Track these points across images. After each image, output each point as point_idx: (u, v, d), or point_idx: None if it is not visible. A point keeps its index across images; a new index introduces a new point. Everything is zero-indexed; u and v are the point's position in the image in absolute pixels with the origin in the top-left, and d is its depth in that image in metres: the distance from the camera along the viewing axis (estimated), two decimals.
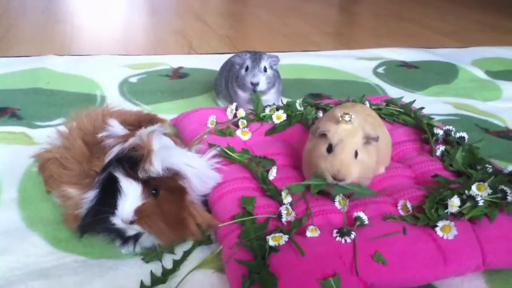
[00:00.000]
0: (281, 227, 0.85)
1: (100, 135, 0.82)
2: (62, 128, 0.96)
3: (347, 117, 0.87)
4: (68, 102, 1.48)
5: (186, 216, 0.80)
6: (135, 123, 0.91)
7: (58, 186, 0.86)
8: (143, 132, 0.78)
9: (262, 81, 1.28)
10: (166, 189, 0.76)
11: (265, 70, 1.28)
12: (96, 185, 0.77)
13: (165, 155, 0.74)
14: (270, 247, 0.80)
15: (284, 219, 0.87)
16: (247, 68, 1.29)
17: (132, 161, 0.73)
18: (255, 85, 1.27)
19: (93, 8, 2.87)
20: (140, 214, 0.74)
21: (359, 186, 0.89)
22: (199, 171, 0.80)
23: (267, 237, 0.81)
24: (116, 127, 0.82)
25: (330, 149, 0.87)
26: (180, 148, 0.83)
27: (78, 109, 0.98)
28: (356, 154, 0.87)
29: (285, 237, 0.81)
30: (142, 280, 0.80)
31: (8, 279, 0.80)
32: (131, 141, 0.76)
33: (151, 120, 0.95)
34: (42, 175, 0.95)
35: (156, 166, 0.72)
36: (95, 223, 0.77)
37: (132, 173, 0.73)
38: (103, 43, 2.18)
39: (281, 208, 0.89)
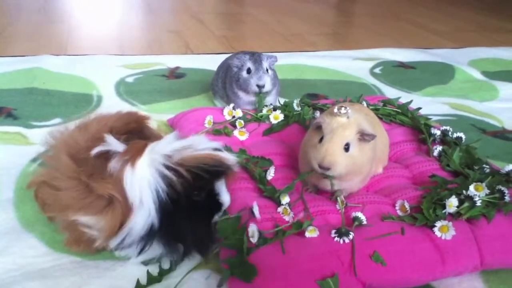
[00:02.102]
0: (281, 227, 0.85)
1: (94, 151, 0.79)
2: (49, 142, 0.89)
3: (342, 110, 0.87)
4: (64, 102, 1.48)
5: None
6: (122, 130, 0.88)
7: (60, 211, 0.82)
8: (165, 153, 0.78)
9: (267, 82, 1.28)
10: None
11: (267, 71, 1.29)
12: (145, 213, 0.76)
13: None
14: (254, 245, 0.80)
15: (287, 218, 0.88)
16: (249, 70, 1.29)
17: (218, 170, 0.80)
18: (261, 87, 1.28)
19: (89, 8, 2.86)
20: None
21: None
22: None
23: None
24: (113, 144, 0.80)
25: (322, 140, 0.87)
26: (193, 145, 0.83)
27: (69, 115, 0.93)
28: (347, 147, 0.87)
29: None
30: (138, 279, 0.79)
31: (4, 280, 0.79)
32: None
33: (136, 120, 0.93)
34: (36, 201, 0.92)
35: (231, 158, 0.82)
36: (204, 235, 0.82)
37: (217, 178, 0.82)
38: (100, 43, 2.17)
39: (279, 208, 0.89)
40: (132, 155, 0.77)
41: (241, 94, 1.32)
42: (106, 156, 0.79)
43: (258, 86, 1.28)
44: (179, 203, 0.77)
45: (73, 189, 0.79)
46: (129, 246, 0.78)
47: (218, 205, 0.83)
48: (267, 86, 1.29)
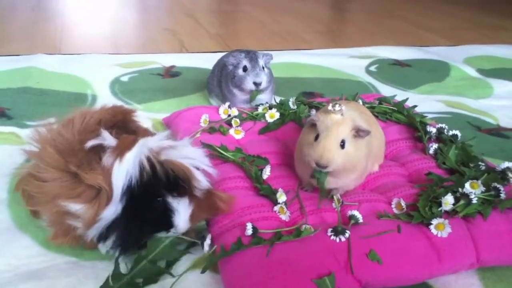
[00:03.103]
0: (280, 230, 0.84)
1: (89, 144, 0.80)
2: (34, 137, 0.89)
3: (337, 107, 0.87)
4: (58, 102, 1.47)
5: (216, 200, 0.86)
6: (110, 123, 0.89)
7: (48, 202, 0.81)
8: (153, 150, 0.78)
9: (264, 80, 1.28)
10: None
11: (263, 68, 1.29)
12: (117, 206, 0.76)
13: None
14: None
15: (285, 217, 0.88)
16: (245, 68, 1.29)
17: (170, 181, 0.78)
18: (258, 84, 1.27)
19: (83, 7, 2.85)
20: (191, 220, 0.82)
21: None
22: (201, 162, 0.84)
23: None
24: (107, 138, 0.81)
25: (317, 137, 0.87)
26: (179, 147, 0.83)
27: (58, 113, 0.94)
28: (343, 144, 0.86)
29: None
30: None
31: None
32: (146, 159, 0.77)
33: (122, 113, 0.94)
34: (22, 196, 0.91)
35: (203, 182, 0.80)
36: (137, 243, 0.80)
37: (177, 192, 0.79)
38: (94, 42, 2.16)
39: (275, 207, 0.89)
40: (122, 150, 0.78)
41: (237, 92, 1.32)
42: (96, 149, 0.80)
43: (255, 83, 1.28)
44: (143, 197, 0.76)
45: (60, 180, 0.79)
46: (101, 235, 0.78)
47: (168, 223, 0.79)
48: (264, 84, 1.29)
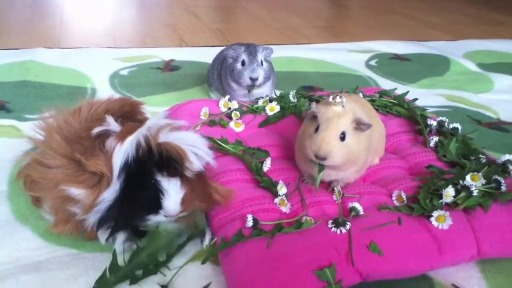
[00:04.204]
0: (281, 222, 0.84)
1: (95, 131, 0.81)
2: (40, 125, 0.89)
3: (337, 99, 0.86)
4: (57, 95, 1.46)
5: (211, 191, 0.85)
6: (117, 113, 0.89)
7: (51, 188, 0.81)
8: (152, 129, 0.78)
9: (261, 75, 1.28)
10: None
11: (261, 63, 1.28)
12: (116, 186, 0.76)
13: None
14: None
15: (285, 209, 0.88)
16: (243, 63, 1.28)
17: (163, 160, 0.77)
18: (254, 80, 1.27)
19: (82, 1, 2.84)
20: (183, 205, 0.80)
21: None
22: (198, 148, 0.82)
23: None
24: (112, 124, 0.81)
25: (317, 129, 0.87)
26: (178, 131, 0.83)
27: (61, 104, 0.93)
28: (343, 136, 0.86)
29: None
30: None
31: None
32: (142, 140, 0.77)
33: (130, 104, 0.94)
34: (24, 183, 0.91)
35: (196, 164, 0.78)
36: (127, 225, 0.80)
37: (168, 171, 0.78)
38: (93, 36, 2.15)
39: (276, 199, 0.89)
40: (125, 134, 0.78)
41: (235, 86, 1.32)
42: (102, 136, 0.80)
43: (251, 78, 1.27)
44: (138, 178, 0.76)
45: (65, 167, 0.79)
46: (101, 220, 0.78)
47: (156, 204, 0.78)
48: (260, 79, 1.28)
